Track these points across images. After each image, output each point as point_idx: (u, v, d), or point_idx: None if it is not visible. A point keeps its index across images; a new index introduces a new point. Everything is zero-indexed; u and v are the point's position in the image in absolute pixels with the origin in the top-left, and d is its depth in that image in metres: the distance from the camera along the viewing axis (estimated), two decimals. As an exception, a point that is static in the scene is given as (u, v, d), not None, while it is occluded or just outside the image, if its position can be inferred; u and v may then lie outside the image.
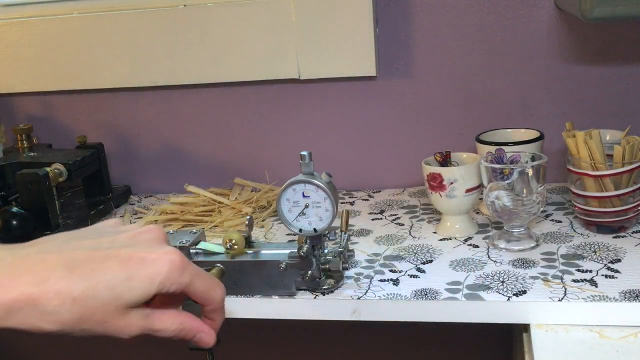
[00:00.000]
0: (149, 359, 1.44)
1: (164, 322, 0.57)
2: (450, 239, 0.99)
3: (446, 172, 0.95)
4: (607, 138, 1.00)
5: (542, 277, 0.84)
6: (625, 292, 0.79)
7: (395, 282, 0.87)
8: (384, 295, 0.84)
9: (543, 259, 0.89)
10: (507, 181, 0.89)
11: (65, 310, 0.50)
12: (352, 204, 1.18)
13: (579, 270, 0.85)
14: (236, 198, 1.19)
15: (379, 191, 1.23)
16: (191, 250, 0.86)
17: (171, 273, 0.54)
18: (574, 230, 0.97)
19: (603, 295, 0.78)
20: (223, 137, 1.29)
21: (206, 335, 0.61)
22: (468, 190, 0.96)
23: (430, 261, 0.92)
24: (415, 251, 0.95)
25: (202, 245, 0.86)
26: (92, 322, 0.52)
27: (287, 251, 0.86)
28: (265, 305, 0.86)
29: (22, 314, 0.50)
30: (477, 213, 1.07)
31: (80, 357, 1.47)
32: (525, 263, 0.88)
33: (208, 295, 0.58)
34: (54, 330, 0.51)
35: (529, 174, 0.89)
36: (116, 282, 0.52)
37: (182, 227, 1.11)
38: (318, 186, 0.82)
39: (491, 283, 0.84)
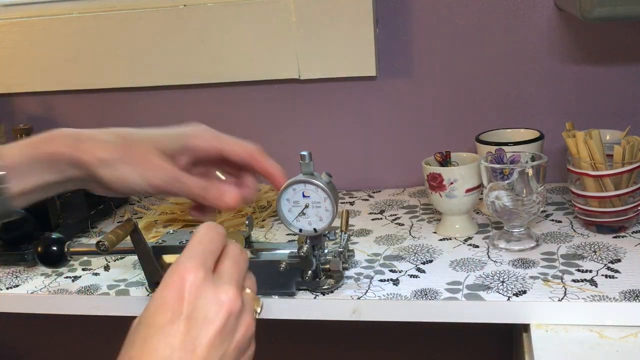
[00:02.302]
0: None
1: None
2: (450, 239, 0.99)
3: (446, 172, 0.95)
4: (607, 138, 1.00)
5: (542, 277, 0.84)
6: (625, 292, 0.79)
7: (395, 282, 0.87)
8: (384, 295, 0.84)
9: (543, 259, 0.89)
10: (507, 181, 0.89)
11: None
12: (352, 204, 1.18)
13: (579, 270, 0.85)
14: (236, 198, 1.19)
15: (379, 191, 1.23)
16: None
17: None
18: (574, 230, 0.97)
19: (603, 295, 0.78)
20: (223, 137, 1.29)
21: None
22: (468, 190, 0.96)
23: (430, 261, 0.92)
24: (415, 251, 0.95)
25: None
26: None
27: (287, 251, 0.86)
28: (266, 305, 0.86)
29: None
30: (477, 213, 1.07)
31: (80, 357, 1.47)
32: (525, 263, 0.88)
33: None
34: None
35: (529, 174, 0.89)
36: None
37: (182, 227, 1.11)
38: (318, 186, 0.81)
39: (491, 283, 0.84)
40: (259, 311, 0.60)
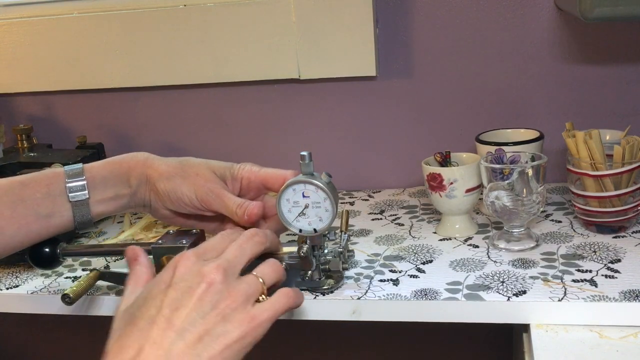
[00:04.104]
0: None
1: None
2: (450, 239, 0.99)
3: (446, 172, 0.95)
4: (607, 138, 1.00)
5: (542, 277, 0.84)
6: (625, 292, 0.79)
7: (395, 282, 0.87)
8: (384, 295, 0.84)
9: (543, 259, 0.89)
10: (507, 181, 0.89)
11: None
12: (352, 204, 1.18)
13: (579, 270, 0.85)
14: (236, 198, 1.19)
15: (379, 191, 1.23)
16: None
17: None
18: (574, 230, 0.97)
19: (603, 295, 0.78)
20: (223, 137, 1.29)
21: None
22: (468, 190, 0.96)
23: (430, 261, 0.92)
24: (415, 251, 0.95)
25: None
26: None
27: (287, 251, 0.86)
28: (265, 305, 0.86)
29: None
30: (477, 213, 1.07)
31: (80, 357, 1.47)
32: (525, 263, 0.88)
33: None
34: None
35: (529, 174, 0.89)
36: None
37: (182, 227, 1.11)
38: (318, 186, 0.81)
39: (491, 283, 0.84)
40: (260, 299, 0.66)
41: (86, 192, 0.83)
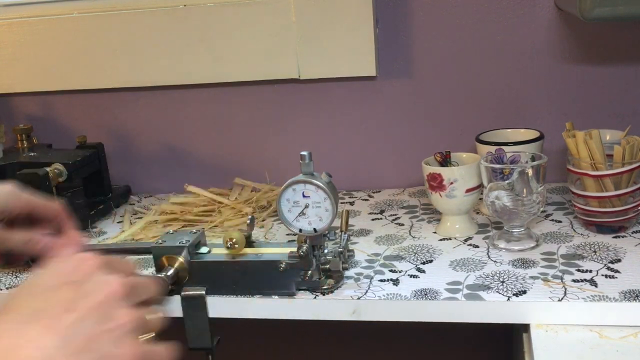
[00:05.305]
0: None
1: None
2: (450, 239, 0.99)
3: (446, 172, 0.95)
4: (607, 138, 1.00)
5: (542, 277, 0.84)
6: (625, 292, 0.79)
7: (395, 282, 0.87)
8: (384, 295, 0.84)
9: (543, 259, 0.89)
10: (507, 181, 0.89)
11: None
12: (352, 204, 1.18)
13: (579, 270, 0.85)
14: (236, 198, 1.19)
15: (379, 191, 1.23)
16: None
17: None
18: (574, 230, 0.97)
19: (603, 295, 0.78)
20: (223, 137, 1.29)
21: None
22: (468, 190, 0.96)
23: (430, 261, 0.92)
24: (415, 251, 0.95)
25: None
26: None
27: (287, 251, 0.86)
28: (265, 305, 0.86)
29: None
30: (477, 213, 1.07)
31: None
32: (525, 263, 0.88)
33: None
34: None
35: (529, 174, 0.89)
36: None
37: (182, 227, 1.11)
38: (318, 186, 0.81)
39: (491, 283, 0.84)
40: (145, 337, 0.59)
41: None
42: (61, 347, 0.51)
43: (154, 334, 0.60)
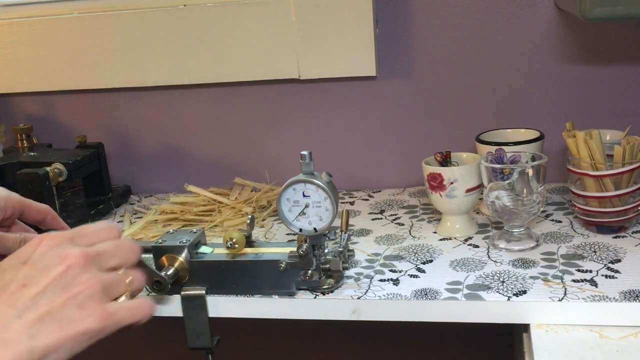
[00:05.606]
0: (148, 358, 1.44)
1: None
2: (450, 239, 0.99)
3: (446, 172, 0.95)
4: (607, 138, 1.00)
5: (542, 277, 0.84)
6: (625, 292, 0.79)
7: (395, 282, 0.87)
8: (384, 295, 0.84)
9: (543, 259, 0.89)
10: (507, 181, 0.89)
11: None
12: (352, 203, 1.18)
13: (579, 270, 0.85)
14: (236, 198, 1.19)
15: (379, 191, 1.23)
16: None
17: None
18: (574, 230, 0.97)
19: (603, 295, 0.78)
20: (223, 137, 1.29)
21: None
22: (468, 190, 0.96)
23: (430, 261, 0.92)
24: (415, 251, 0.95)
25: None
26: None
27: (287, 251, 0.86)
28: (265, 305, 0.86)
29: None
30: (477, 213, 1.07)
31: (79, 357, 1.47)
32: (525, 263, 0.88)
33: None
34: None
35: (529, 174, 0.89)
36: None
37: (182, 226, 1.11)
38: (318, 186, 0.81)
39: (491, 283, 0.84)
40: (122, 298, 0.61)
41: None
42: (19, 317, 0.53)
43: (128, 295, 0.61)
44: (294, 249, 0.84)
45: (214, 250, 0.88)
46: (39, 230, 0.81)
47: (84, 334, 0.55)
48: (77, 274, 0.57)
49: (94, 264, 0.58)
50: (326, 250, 0.87)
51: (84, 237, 0.62)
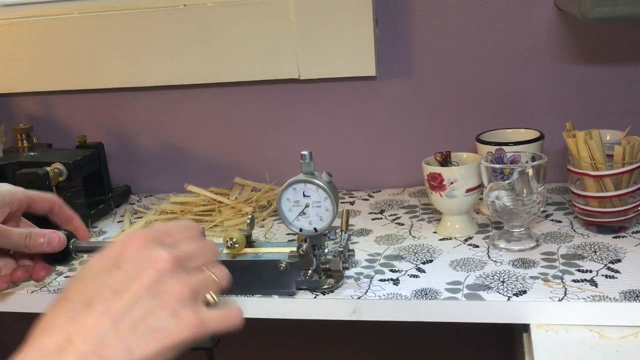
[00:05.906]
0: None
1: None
2: (450, 239, 0.99)
3: (446, 172, 0.95)
4: (607, 138, 1.00)
5: (542, 277, 0.84)
6: (625, 292, 0.79)
7: (396, 282, 0.87)
8: (384, 295, 0.84)
9: (543, 259, 0.89)
10: (507, 181, 0.89)
11: None
12: (352, 203, 1.18)
13: (579, 270, 0.85)
14: (236, 198, 1.19)
15: (379, 191, 1.23)
16: None
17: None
18: (574, 230, 0.97)
19: (603, 295, 0.78)
20: (223, 137, 1.29)
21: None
22: (468, 190, 0.96)
23: (431, 261, 0.92)
24: (415, 251, 0.95)
25: None
26: None
27: (287, 251, 0.86)
28: (265, 305, 0.86)
29: None
30: (477, 213, 1.07)
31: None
32: (525, 263, 0.88)
33: None
34: None
35: (529, 174, 0.89)
36: None
37: (182, 227, 1.11)
38: (318, 186, 0.82)
39: (491, 283, 0.84)
40: (211, 301, 0.59)
41: None
42: (113, 330, 0.52)
43: (214, 294, 0.59)
44: (294, 248, 0.84)
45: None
46: (46, 223, 0.82)
47: (178, 343, 0.54)
48: (168, 279, 0.55)
49: (180, 267, 0.57)
50: (326, 250, 0.87)
51: (169, 236, 0.60)
